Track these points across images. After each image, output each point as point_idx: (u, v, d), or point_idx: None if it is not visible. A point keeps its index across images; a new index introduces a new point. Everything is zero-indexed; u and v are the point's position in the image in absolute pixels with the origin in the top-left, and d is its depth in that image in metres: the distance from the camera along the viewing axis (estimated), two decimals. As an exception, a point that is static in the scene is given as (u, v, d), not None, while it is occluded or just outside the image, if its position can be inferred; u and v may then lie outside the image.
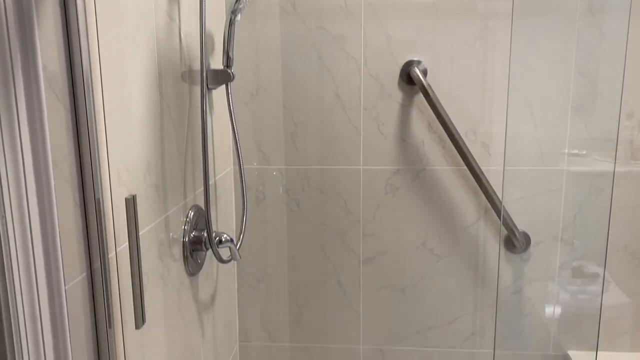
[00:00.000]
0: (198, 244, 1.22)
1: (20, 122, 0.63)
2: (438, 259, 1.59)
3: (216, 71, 1.32)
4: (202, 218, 1.26)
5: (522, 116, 1.49)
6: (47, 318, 0.68)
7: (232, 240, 1.26)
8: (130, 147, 0.92)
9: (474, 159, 1.47)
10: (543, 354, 1.61)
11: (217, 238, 1.24)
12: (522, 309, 1.59)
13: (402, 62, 1.49)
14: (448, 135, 1.47)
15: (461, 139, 1.47)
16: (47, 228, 0.67)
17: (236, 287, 1.66)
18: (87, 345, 0.79)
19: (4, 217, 0.61)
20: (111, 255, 0.83)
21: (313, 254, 1.62)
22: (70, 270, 0.74)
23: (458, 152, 1.47)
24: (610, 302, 1.59)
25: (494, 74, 1.49)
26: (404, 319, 1.64)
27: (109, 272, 0.81)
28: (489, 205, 1.52)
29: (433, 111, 1.46)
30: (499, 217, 1.51)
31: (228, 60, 1.30)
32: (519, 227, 1.52)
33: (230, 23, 1.28)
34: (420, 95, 1.48)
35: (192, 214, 1.22)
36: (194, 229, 1.22)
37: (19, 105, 0.63)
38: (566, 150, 1.51)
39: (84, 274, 0.77)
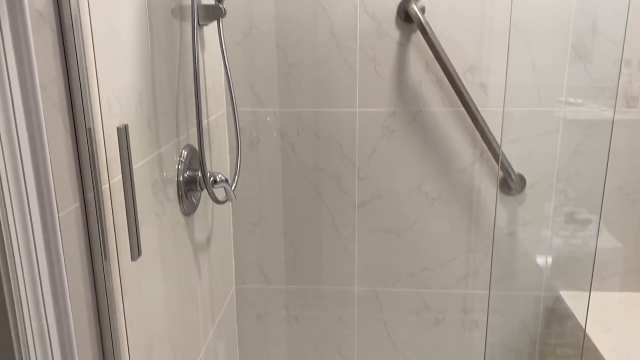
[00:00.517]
0: (193, 184, 1.21)
1: (4, 39, 0.60)
2: (433, 202, 1.59)
3: (207, 6, 1.27)
4: (196, 158, 1.24)
5: (521, 56, 1.46)
6: (42, 245, 0.67)
7: (227, 180, 1.25)
8: (120, 77, 0.89)
9: (471, 100, 1.45)
10: (535, 295, 1.64)
11: (212, 178, 1.23)
12: (516, 251, 1.60)
13: (399, -1, 1.44)
14: (446, 76, 1.44)
15: (459, 79, 1.44)
16: (37, 150, 0.65)
17: (232, 231, 1.66)
18: (83, 276, 0.79)
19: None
20: (104, 186, 0.82)
21: (308, 198, 1.62)
22: (63, 199, 0.73)
23: (456, 93, 1.45)
24: (602, 246, 1.61)
25: (493, 12, 1.45)
26: (398, 261, 1.65)
27: (103, 203, 0.80)
28: (485, 147, 1.51)
29: (431, 50, 1.43)
30: (495, 159, 1.51)
31: (220, -5, 1.26)
32: (515, 169, 1.52)
33: (222, -45, 1.23)
34: (418, 34, 1.45)
35: (186, 153, 1.20)
36: (188, 169, 1.20)
37: (1, 21, 0.60)
38: (564, 91, 1.49)
39: (77, 204, 0.76)
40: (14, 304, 0.64)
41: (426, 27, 1.41)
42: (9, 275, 0.64)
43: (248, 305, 1.73)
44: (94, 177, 0.78)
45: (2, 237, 0.63)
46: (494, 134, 1.48)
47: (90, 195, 0.79)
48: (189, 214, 1.23)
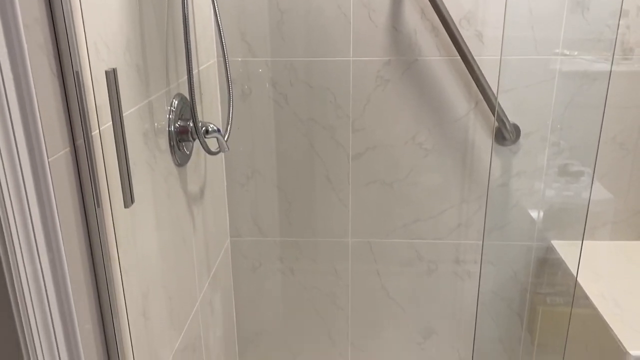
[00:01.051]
0: (184, 134, 1.19)
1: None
2: (427, 153, 1.58)
3: (196, -51, 1.22)
4: (187, 108, 1.22)
5: (519, 3, 1.43)
6: (32, 189, 0.66)
7: (219, 130, 1.23)
8: (107, 20, 0.86)
9: (467, 48, 1.42)
10: (527, 245, 1.65)
11: (204, 128, 1.21)
12: (509, 201, 1.61)
13: (394, -58, 1.40)
14: (442, 23, 1.41)
15: (455, 27, 1.41)
16: (23, 92, 0.63)
17: (225, 184, 1.65)
18: (76, 223, 0.78)
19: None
20: (95, 132, 0.80)
21: (302, 150, 1.61)
22: (53, 143, 0.71)
23: (451, 40, 1.42)
24: (593, 198, 1.62)
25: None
26: (392, 213, 1.65)
27: (93, 149, 0.78)
28: (480, 97, 1.50)
29: (426, -4, 1.39)
30: (490, 109, 1.49)
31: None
32: (509, 118, 1.51)
33: None
34: (413, -21, 1.41)
35: (177, 102, 1.17)
36: (179, 119, 1.18)
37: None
38: (560, 42, 1.46)
39: (67, 149, 0.75)
40: (7, 250, 0.63)
41: (422, -29, 1.37)
42: None
43: (243, 257, 1.74)
44: (83, 123, 0.76)
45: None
46: (489, 82, 1.46)
47: (80, 142, 0.77)
48: (182, 164, 1.22)
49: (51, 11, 0.70)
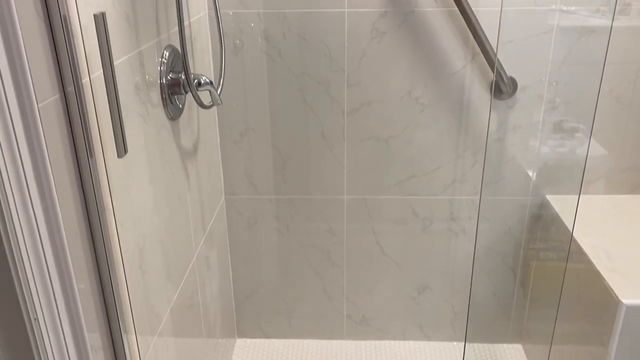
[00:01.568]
0: (176, 87, 1.16)
1: None
2: (423, 108, 1.56)
3: None
4: (179, 60, 1.19)
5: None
6: (22, 135, 0.64)
7: (211, 82, 1.20)
8: (93, -37, 0.82)
9: (464, -2, 1.39)
10: (522, 199, 1.66)
11: (196, 80, 1.18)
12: (504, 156, 1.61)
13: None
14: (438, -28, 1.37)
15: (452, -24, 1.38)
16: (8, 34, 0.60)
17: (219, 141, 1.63)
18: (70, 173, 0.76)
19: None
20: (85, 80, 0.78)
21: (296, 105, 1.58)
22: (42, 89, 0.69)
23: (448, -10, 1.39)
24: (588, 153, 1.62)
25: None
26: (387, 169, 1.65)
27: (84, 96, 0.76)
28: (476, 49, 1.47)
29: (423, -56, 1.35)
30: (488, 61, 1.47)
31: None
32: (506, 72, 1.49)
33: None
34: None
35: (168, 54, 1.14)
36: (170, 71, 1.15)
37: None
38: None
39: (57, 96, 0.72)
40: (-1, 196, 0.62)
41: None
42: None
43: (238, 215, 1.73)
44: (72, 69, 0.74)
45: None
46: (487, 35, 1.43)
47: (70, 89, 0.75)
48: (174, 118, 1.20)
49: (34, -51, 0.67)
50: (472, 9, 1.41)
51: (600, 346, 1.28)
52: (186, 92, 1.19)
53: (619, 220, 1.54)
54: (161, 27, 1.11)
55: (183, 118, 1.26)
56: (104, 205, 0.83)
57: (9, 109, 0.63)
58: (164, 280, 1.13)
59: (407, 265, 1.77)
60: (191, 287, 1.33)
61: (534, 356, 1.76)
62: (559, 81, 1.51)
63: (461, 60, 1.50)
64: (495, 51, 1.44)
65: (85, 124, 0.77)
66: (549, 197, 1.63)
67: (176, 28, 1.20)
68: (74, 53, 0.74)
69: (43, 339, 0.67)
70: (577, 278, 1.41)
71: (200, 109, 1.41)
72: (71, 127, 0.77)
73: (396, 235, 1.74)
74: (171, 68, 1.16)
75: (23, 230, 0.65)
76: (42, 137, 0.67)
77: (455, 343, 1.88)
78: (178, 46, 1.19)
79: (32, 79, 0.65)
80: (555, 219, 1.57)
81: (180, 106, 1.23)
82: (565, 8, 1.46)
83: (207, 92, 1.25)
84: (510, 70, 1.50)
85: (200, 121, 1.42)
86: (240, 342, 1.90)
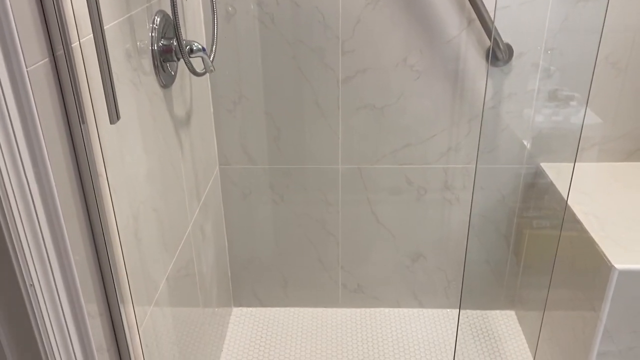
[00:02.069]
0: (168, 53, 1.14)
1: None
2: (418, 76, 1.55)
3: None
4: (170, 26, 1.17)
5: None
6: (12, 98, 0.63)
7: (204, 49, 1.18)
8: None
9: (461, -38, 1.36)
10: (516, 167, 1.66)
11: (188, 47, 1.16)
12: (499, 124, 1.60)
13: None
14: None
15: (448, -61, 1.35)
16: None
17: (212, 110, 1.61)
18: (62, 139, 0.75)
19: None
20: (75, 44, 0.76)
21: (290, 73, 1.56)
22: (31, 53, 0.67)
23: (444, -46, 1.36)
24: (581, 122, 1.61)
25: None
26: (382, 138, 1.64)
27: (74, 60, 0.75)
28: (473, 15, 1.45)
29: None
30: (484, 27, 1.45)
31: None
32: (502, 38, 1.47)
33: None
34: None
35: (159, 20, 1.12)
36: (162, 38, 1.13)
37: None
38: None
39: (47, 59, 0.71)
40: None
41: None
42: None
43: (233, 185, 1.73)
44: (62, 32, 0.72)
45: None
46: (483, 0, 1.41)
47: (60, 53, 0.73)
48: (167, 86, 1.18)
49: None
50: (469, -27, 1.38)
51: (592, 311, 1.30)
52: (178, 59, 1.17)
53: (613, 187, 1.55)
54: (151, -8, 1.09)
55: (175, 86, 1.24)
56: (98, 171, 0.82)
57: (-3, 72, 0.61)
58: (160, 249, 1.13)
59: (401, 234, 1.78)
60: (187, 257, 1.33)
61: (527, 322, 1.79)
62: (555, 48, 1.50)
63: (457, 26, 1.48)
64: (491, 17, 1.42)
65: (77, 89, 0.75)
66: (543, 165, 1.63)
67: (167, -7, 1.17)
68: (63, 15, 0.72)
69: (39, 305, 0.67)
70: (571, 245, 1.43)
71: (192, 76, 1.39)
72: (62, 93, 0.75)
73: (391, 205, 1.74)
74: (163, 34, 1.13)
75: (15, 195, 0.65)
76: (33, 101, 0.66)
77: (448, 310, 1.90)
78: (169, 12, 1.17)
79: (20, 42, 0.63)
80: (550, 187, 1.58)
81: (173, 73, 1.21)
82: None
83: (200, 59, 1.23)
84: (506, 36, 1.48)
85: (193, 89, 1.40)
86: (236, 311, 1.92)
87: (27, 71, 0.65)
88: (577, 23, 1.47)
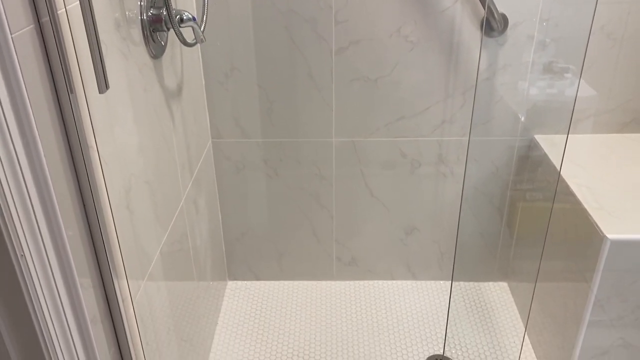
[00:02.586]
0: (158, 23, 1.12)
1: None
2: (412, 47, 1.53)
3: None
4: (160, -5, 1.14)
5: None
6: (-3, 66, 0.61)
7: (194, 19, 1.16)
8: None
9: None
10: (510, 140, 1.66)
11: (178, 16, 1.14)
12: (493, 96, 1.59)
13: None
14: None
15: None
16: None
17: (203, 82, 1.59)
18: (50, 109, 0.74)
19: None
20: (61, 11, 0.74)
21: (282, 45, 1.54)
22: (15, 19, 0.65)
23: None
24: (577, 94, 1.60)
25: None
26: (375, 111, 1.63)
27: (61, 27, 0.73)
28: (468, -16, 1.43)
29: None
30: (479, -3, 1.43)
31: None
32: (497, 8, 1.45)
33: None
34: None
35: (148, -12, 1.09)
36: (151, 7, 1.11)
37: None
38: None
39: (32, 26, 0.69)
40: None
41: None
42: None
43: (226, 159, 1.72)
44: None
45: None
46: (478, -31, 1.39)
47: (45, 19, 0.71)
48: (157, 56, 1.16)
49: None
50: (464, -60, 1.36)
51: (583, 282, 1.31)
52: (168, 29, 1.15)
53: (607, 159, 1.55)
54: (139, -41, 1.06)
55: (166, 57, 1.22)
56: (88, 143, 0.81)
57: (-20, 38, 0.60)
58: (153, 222, 1.13)
59: (395, 207, 1.79)
60: (180, 230, 1.33)
61: (519, 293, 1.81)
62: (550, 19, 1.48)
63: (452, -4, 1.46)
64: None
65: (64, 57, 0.73)
66: (537, 137, 1.63)
67: (155, -40, 1.14)
68: (47, -20, 0.70)
69: (31, 275, 0.67)
70: (563, 216, 1.43)
71: (183, 47, 1.36)
72: (49, 62, 0.73)
73: (385, 178, 1.74)
74: (152, 4, 1.11)
75: (4, 167, 0.64)
76: (19, 68, 0.64)
77: (442, 282, 1.92)
78: (158, -20, 1.14)
79: (3, 6, 0.61)
80: (544, 159, 1.58)
81: (163, 44, 1.19)
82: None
83: (190, 29, 1.20)
84: (501, 6, 1.46)
85: (184, 60, 1.38)
86: (231, 284, 1.93)
87: (11, 37, 0.63)
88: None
